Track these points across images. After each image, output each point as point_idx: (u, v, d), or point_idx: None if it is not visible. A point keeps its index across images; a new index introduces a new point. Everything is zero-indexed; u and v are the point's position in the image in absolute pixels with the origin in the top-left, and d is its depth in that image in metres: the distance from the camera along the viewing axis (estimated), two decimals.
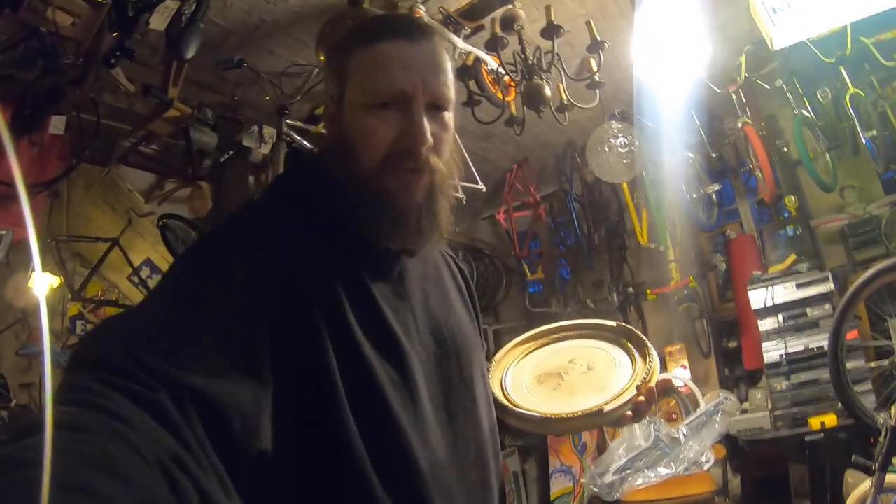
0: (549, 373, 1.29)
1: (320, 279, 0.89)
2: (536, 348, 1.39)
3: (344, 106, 0.98)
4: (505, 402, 1.21)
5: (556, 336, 1.40)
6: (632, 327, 1.31)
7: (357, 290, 0.93)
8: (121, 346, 0.69)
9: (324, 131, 1.19)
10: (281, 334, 0.80)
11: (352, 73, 0.96)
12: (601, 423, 1.16)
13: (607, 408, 1.10)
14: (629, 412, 1.10)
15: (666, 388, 1.17)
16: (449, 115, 1.01)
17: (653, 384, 1.12)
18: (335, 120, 1.00)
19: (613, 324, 1.35)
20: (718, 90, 4.41)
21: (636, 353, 1.23)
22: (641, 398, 1.09)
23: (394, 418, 0.88)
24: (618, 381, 1.17)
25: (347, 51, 0.98)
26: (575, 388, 1.21)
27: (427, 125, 0.94)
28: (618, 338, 1.31)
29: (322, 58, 3.09)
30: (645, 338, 1.25)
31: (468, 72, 3.67)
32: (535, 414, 1.16)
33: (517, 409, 1.18)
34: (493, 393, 1.21)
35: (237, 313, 0.77)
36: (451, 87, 1.01)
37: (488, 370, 1.28)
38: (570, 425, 1.15)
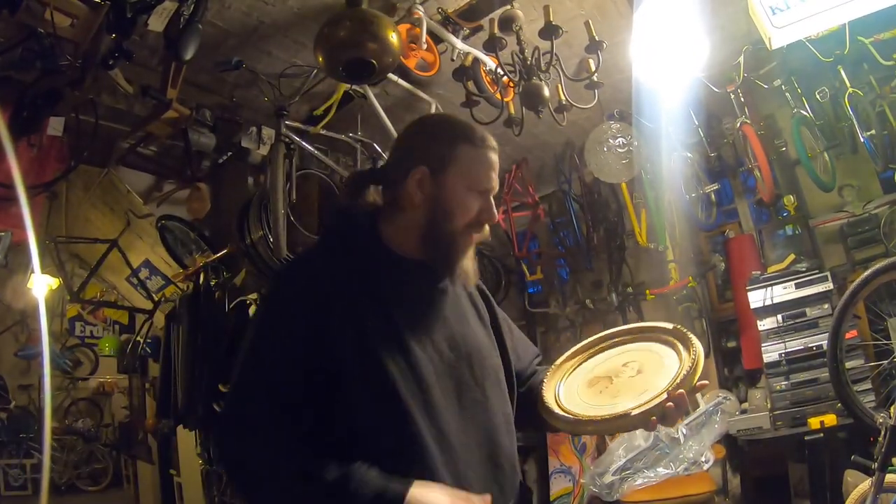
0: (601, 376, 1.42)
1: (356, 309, 1.28)
2: (597, 353, 1.53)
3: (445, 181, 1.37)
4: (551, 404, 1.38)
5: (616, 340, 1.53)
6: (685, 330, 1.42)
7: (380, 313, 1.30)
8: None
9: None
10: (325, 352, 1.25)
11: (460, 160, 1.38)
12: (629, 426, 1.29)
13: (634, 412, 1.23)
14: (654, 417, 1.25)
15: (697, 390, 1.31)
16: None
17: (685, 389, 1.25)
18: (430, 185, 1.37)
19: (670, 326, 1.47)
20: (717, 90, 4.41)
21: (684, 356, 1.33)
22: (670, 404, 1.23)
23: (400, 400, 1.22)
24: (660, 384, 1.27)
25: (458, 142, 1.39)
26: (620, 390, 1.33)
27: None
28: (673, 340, 1.42)
29: (320, 59, 3.08)
30: (694, 339, 1.37)
31: (466, 72, 3.68)
32: (569, 416, 1.32)
33: (556, 411, 1.35)
34: (541, 395, 1.43)
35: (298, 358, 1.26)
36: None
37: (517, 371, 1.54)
38: (599, 427, 1.31)
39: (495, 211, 1.41)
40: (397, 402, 1.21)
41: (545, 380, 1.49)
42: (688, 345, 1.35)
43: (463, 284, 1.50)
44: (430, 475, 1.19)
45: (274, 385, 1.23)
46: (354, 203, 1.47)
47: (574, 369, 1.50)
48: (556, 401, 1.39)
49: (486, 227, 1.44)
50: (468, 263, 1.42)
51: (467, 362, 1.36)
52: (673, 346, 1.40)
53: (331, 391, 1.23)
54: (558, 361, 1.53)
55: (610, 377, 1.39)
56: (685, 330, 1.39)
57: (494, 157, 1.42)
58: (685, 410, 1.25)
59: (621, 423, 1.27)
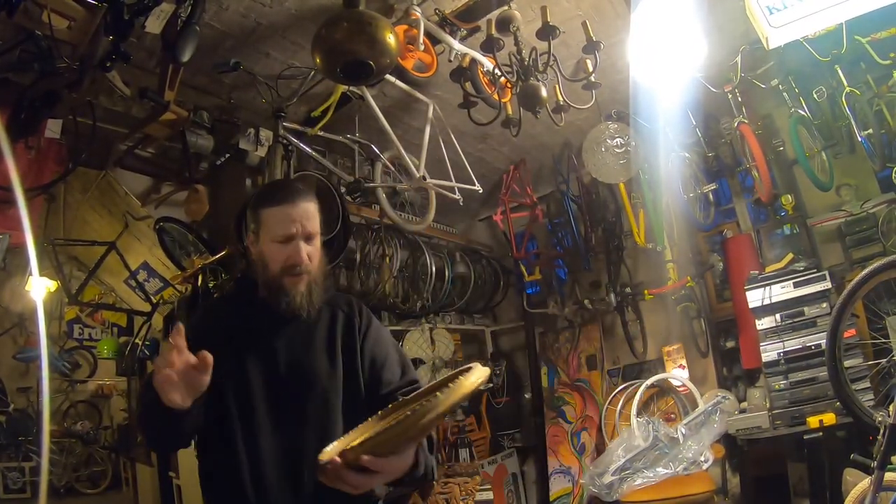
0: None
1: (225, 331, 1.75)
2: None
3: (259, 241, 1.80)
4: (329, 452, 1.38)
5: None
6: (463, 375, 1.30)
7: (255, 337, 1.77)
8: None
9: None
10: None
11: (264, 222, 1.78)
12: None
13: (322, 460, 1.30)
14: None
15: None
16: (316, 240, 1.81)
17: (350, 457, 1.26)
18: (255, 246, 1.81)
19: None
20: (714, 90, 4.42)
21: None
22: (328, 466, 1.27)
23: (227, 409, 1.68)
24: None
25: (258, 208, 1.80)
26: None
27: (303, 251, 1.75)
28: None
29: (318, 60, 3.08)
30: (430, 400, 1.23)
31: (464, 73, 3.68)
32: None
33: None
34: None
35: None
36: (316, 225, 1.80)
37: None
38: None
39: (301, 253, 1.74)
40: (226, 411, 1.67)
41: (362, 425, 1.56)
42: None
43: (332, 313, 1.86)
44: (235, 466, 1.62)
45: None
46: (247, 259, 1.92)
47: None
48: (356, 437, 1.42)
49: (305, 266, 1.75)
50: (296, 299, 1.74)
51: (296, 384, 1.72)
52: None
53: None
54: (409, 397, 1.57)
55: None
56: (466, 377, 1.29)
57: (292, 209, 1.75)
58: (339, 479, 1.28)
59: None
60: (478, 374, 1.30)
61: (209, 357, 1.40)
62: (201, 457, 1.76)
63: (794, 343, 4.06)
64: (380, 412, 1.55)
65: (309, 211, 1.78)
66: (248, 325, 1.77)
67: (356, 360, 1.82)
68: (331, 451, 1.37)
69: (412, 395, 1.59)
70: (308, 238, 1.77)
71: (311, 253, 1.77)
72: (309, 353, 1.78)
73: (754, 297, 4.27)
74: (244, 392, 1.68)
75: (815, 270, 4.16)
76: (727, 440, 4.32)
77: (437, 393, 1.24)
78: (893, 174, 4.15)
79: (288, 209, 1.74)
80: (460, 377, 1.29)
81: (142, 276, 5.70)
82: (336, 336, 1.83)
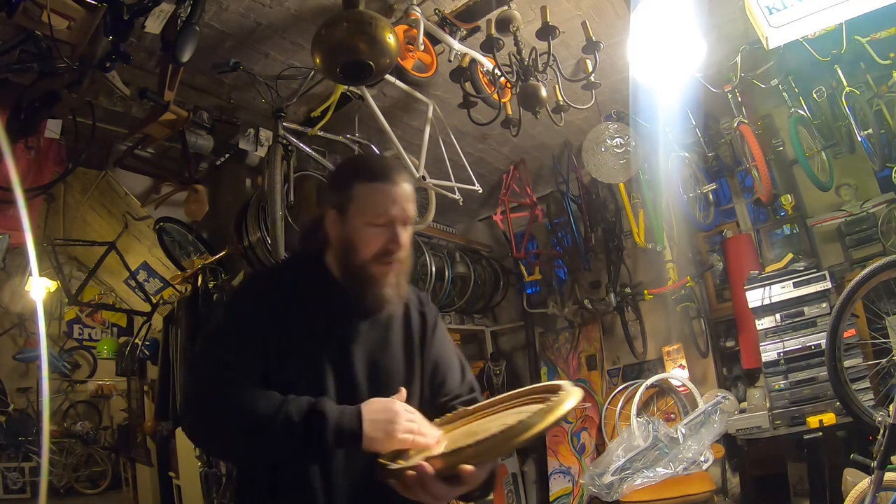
0: (471, 432, 1.39)
1: (298, 320, 1.52)
2: (500, 410, 1.50)
3: (346, 219, 1.53)
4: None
5: (534, 397, 1.44)
6: (564, 396, 1.25)
7: (323, 334, 1.54)
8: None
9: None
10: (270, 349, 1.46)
11: (357, 199, 1.52)
12: (384, 477, 1.28)
13: (391, 466, 1.26)
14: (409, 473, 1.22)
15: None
16: (411, 227, 1.59)
17: (447, 464, 1.21)
18: (335, 226, 1.56)
19: (562, 386, 1.32)
20: (714, 90, 4.42)
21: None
22: (411, 472, 1.21)
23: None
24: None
25: (353, 181, 1.54)
26: (449, 447, 1.31)
27: (403, 236, 1.53)
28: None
29: (317, 60, 3.08)
30: (536, 417, 1.18)
31: (464, 73, 3.68)
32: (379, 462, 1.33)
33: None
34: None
35: (247, 347, 1.45)
36: (414, 210, 1.58)
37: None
38: (383, 475, 1.29)
39: (401, 238, 1.52)
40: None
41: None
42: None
43: (406, 307, 1.67)
44: (305, 477, 1.43)
45: (230, 371, 1.40)
46: (311, 236, 1.68)
47: (474, 420, 1.51)
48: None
49: (401, 254, 1.54)
50: (385, 291, 1.54)
51: (372, 384, 1.53)
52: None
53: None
54: (473, 406, 1.56)
55: (473, 434, 1.31)
56: (560, 399, 1.23)
57: (394, 188, 1.52)
58: (427, 489, 1.21)
59: (384, 475, 1.29)
60: (574, 398, 1.25)
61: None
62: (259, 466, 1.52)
63: (793, 343, 4.06)
64: (437, 419, 1.51)
65: (410, 193, 1.57)
66: (322, 315, 1.55)
67: (426, 361, 1.69)
68: (389, 458, 1.32)
69: (474, 406, 1.56)
70: (406, 223, 1.55)
71: (405, 241, 1.56)
72: (386, 354, 1.61)
73: (754, 297, 4.27)
74: (318, 395, 1.44)
75: (814, 270, 4.16)
76: (727, 440, 4.32)
77: (532, 412, 1.18)
78: (893, 174, 4.15)
79: (390, 188, 1.52)
80: (554, 398, 1.23)
81: (142, 276, 5.71)
82: (413, 334, 1.68)
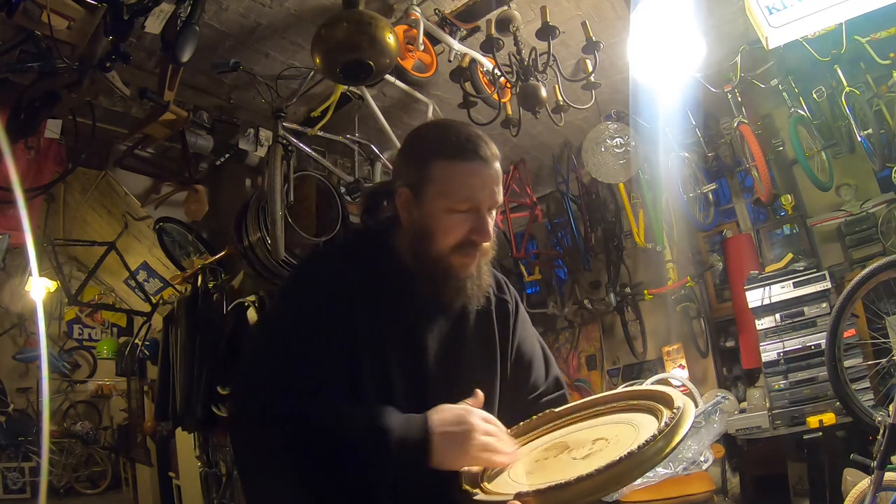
0: (561, 444, 1.21)
1: (371, 316, 1.28)
2: (595, 416, 1.29)
3: (424, 201, 1.29)
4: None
5: (622, 402, 1.26)
6: (685, 413, 1.04)
7: (396, 334, 1.30)
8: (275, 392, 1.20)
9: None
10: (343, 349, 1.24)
11: (433, 178, 1.27)
12: None
13: (477, 497, 1.10)
14: None
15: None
16: (498, 210, 1.35)
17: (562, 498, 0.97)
18: (409, 208, 1.32)
19: (680, 403, 1.07)
20: (714, 90, 4.42)
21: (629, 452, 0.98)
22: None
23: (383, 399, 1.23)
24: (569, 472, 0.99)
25: (431, 157, 1.28)
26: (544, 469, 1.14)
27: (491, 224, 1.30)
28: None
29: (317, 60, 3.08)
30: (679, 420, 1.01)
31: (464, 73, 3.68)
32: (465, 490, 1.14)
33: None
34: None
35: (315, 349, 1.23)
36: (502, 193, 1.34)
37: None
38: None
39: (489, 228, 1.28)
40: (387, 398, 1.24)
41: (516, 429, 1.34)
42: (663, 422, 1.02)
43: (478, 301, 1.41)
44: (373, 497, 1.20)
45: (293, 368, 1.21)
46: (373, 215, 1.45)
47: (561, 426, 1.31)
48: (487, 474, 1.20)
49: (485, 245, 1.31)
50: (466, 285, 1.32)
51: (446, 390, 1.28)
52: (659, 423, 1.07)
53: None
54: (558, 409, 1.36)
55: (566, 448, 1.17)
56: (684, 413, 1.03)
57: (482, 168, 1.27)
58: None
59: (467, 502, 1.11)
60: (691, 415, 1.04)
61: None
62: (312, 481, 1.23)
63: (793, 343, 4.05)
64: (521, 424, 1.34)
65: (500, 174, 1.31)
66: (390, 310, 1.31)
67: (508, 355, 1.47)
68: (468, 480, 1.16)
69: (562, 408, 1.36)
70: (493, 209, 1.31)
71: (492, 229, 1.32)
72: (463, 353, 1.37)
73: (754, 297, 4.27)
74: (386, 402, 1.22)
75: (814, 270, 4.16)
76: (727, 440, 4.31)
77: (638, 432, 1.03)
78: (893, 174, 4.15)
79: (479, 167, 1.26)
80: (666, 412, 1.05)
81: (141, 276, 5.70)
82: (493, 327, 1.44)
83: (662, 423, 1.00)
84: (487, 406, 1.30)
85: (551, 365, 1.56)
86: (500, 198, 1.31)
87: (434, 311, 1.35)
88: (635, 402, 1.22)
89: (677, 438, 0.98)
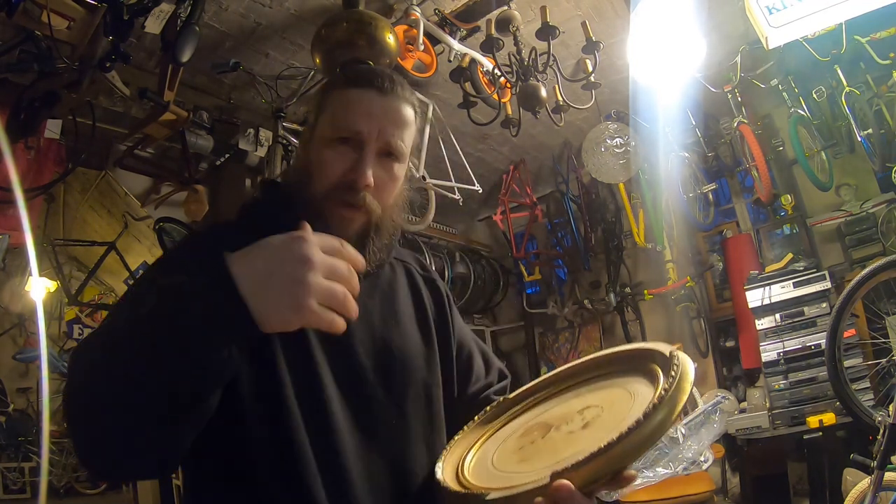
0: (542, 424, 1.03)
1: None
2: (563, 390, 1.12)
3: (314, 135, 1.10)
4: (443, 456, 1.05)
5: (592, 373, 1.10)
6: (679, 360, 0.90)
7: None
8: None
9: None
10: None
11: (325, 108, 1.10)
12: None
13: (490, 496, 0.85)
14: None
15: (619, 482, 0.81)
16: (399, 166, 1.11)
17: (605, 472, 0.78)
18: (305, 146, 1.14)
19: (666, 350, 0.94)
20: (714, 90, 4.42)
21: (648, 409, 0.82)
22: (539, 499, 0.79)
23: (287, 409, 0.97)
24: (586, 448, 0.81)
25: (328, 89, 1.13)
26: (539, 452, 0.95)
27: (371, 168, 1.05)
28: (660, 372, 0.93)
29: (317, 60, 3.09)
30: (678, 369, 0.87)
31: (464, 73, 3.68)
32: (439, 483, 0.97)
33: (437, 471, 1.00)
34: (453, 438, 1.11)
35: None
36: (406, 142, 1.11)
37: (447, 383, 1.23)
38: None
39: (368, 168, 1.04)
40: (283, 412, 0.96)
41: (478, 418, 1.14)
42: (667, 381, 0.86)
43: (408, 273, 1.27)
44: (311, 499, 0.94)
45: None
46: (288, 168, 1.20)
47: (525, 411, 1.12)
48: (464, 453, 1.04)
49: (370, 198, 1.07)
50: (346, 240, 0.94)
51: (384, 373, 1.09)
52: (655, 386, 0.91)
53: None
54: (512, 395, 1.17)
55: (548, 428, 1.00)
56: (678, 356, 0.91)
57: (376, 96, 1.07)
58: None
59: None
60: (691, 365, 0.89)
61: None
62: (223, 489, 0.98)
63: (793, 343, 4.06)
64: (476, 418, 1.13)
65: (403, 115, 1.10)
66: None
67: (450, 340, 1.26)
68: (447, 472, 0.99)
69: (522, 390, 1.16)
70: (386, 154, 1.08)
71: (382, 179, 1.08)
72: (398, 328, 1.16)
73: (754, 297, 4.28)
74: (309, 389, 1.00)
75: (814, 270, 4.16)
76: (727, 440, 4.31)
77: (661, 393, 0.83)
78: (893, 174, 4.15)
79: (371, 96, 1.07)
80: (664, 366, 0.90)
81: None
82: (425, 306, 1.25)
83: (670, 376, 0.86)
84: (433, 387, 1.16)
85: (490, 355, 1.38)
86: (397, 141, 1.08)
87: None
88: (605, 368, 1.07)
89: (687, 384, 0.85)
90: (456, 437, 1.11)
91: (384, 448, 1.06)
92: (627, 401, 0.94)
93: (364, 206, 1.06)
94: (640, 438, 0.78)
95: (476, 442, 1.07)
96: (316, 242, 0.77)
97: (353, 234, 1.07)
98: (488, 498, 0.85)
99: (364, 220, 1.08)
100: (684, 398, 0.83)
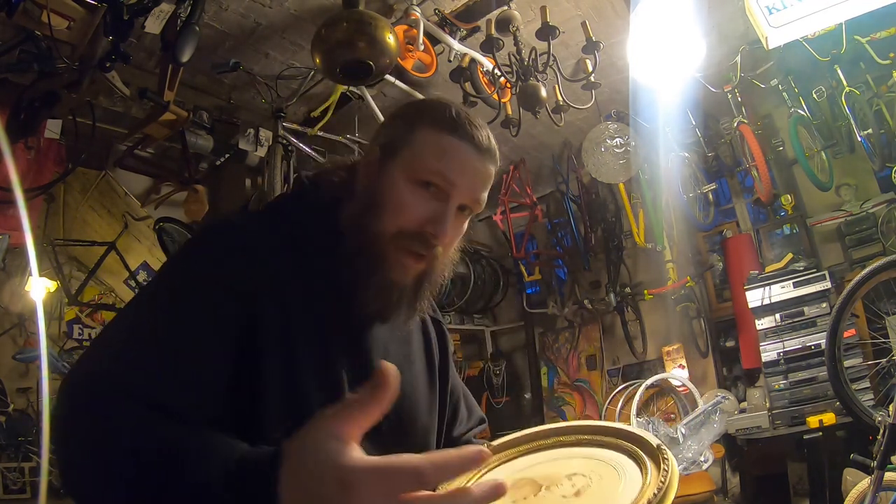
0: (532, 478, 1.02)
1: (284, 309, 0.92)
2: (546, 447, 1.11)
3: (389, 166, 1.02)
4: None
5: (575, 437, 1.11)
6: (668, 456, 0.92)
7: (317, 336, 0.96)
8: (115, 372, 0.79)
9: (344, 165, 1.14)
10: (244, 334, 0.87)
11: (412, 143, 1.01)
12: None
13: None
14: None
15: None
16: (467, 221, 1.09)
17: None
18: (371, 170, 1.04)
19: (654, 443, 0.97)
20: (714, 90, 4.42)
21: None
22: None
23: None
24: None
25: (419, 123, 1.03)
26: None
27: (450, 222, 1.01)
28: (648, 464, 0.95)
29: (317, 60, 3.08)
30: (670, 467, 0.89)
31: (464, 73, 3.68)
32: None
33: None
34: None
35: (199, 325, 0.85)
36: (483, 203, 1.07)
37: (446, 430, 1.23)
38: None
39: (447, 226, 1.00)
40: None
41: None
42: (658, 474, 0.90)
43: (420, 319, 1.21)
44: None
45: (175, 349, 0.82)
46: (326, 174, 1.12)
47: (507, 460, 1.11)
48: None
49: (439, 250, 1.02)
50: (390, 290, 1.01)
51: (396, 418, 0.96)
52: (641, 469, 0.95)
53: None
54: (497, 442, 1.14)
55: (539, 487, 0.99)
56: (665, 452, 0.93)
57: (473, 152, 1.02)
58: None
59: None
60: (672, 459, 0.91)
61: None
62: None
63: (793, 343, 4.06)
64: None
65: (490, 175, 1.07)
66: (334, 295, 0.99)
67: (447, 385, 1.24)
68: None
69: (501, 441, 1.13)
70: (465, 210, 1.05)
71: (454, 235, 1.06)
72: (410, 372, 1.13)
73: (754, 297, 4.27)
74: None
75: (814, 270, 4.16)
76: (727, 440, 4.31)
77: (655, 492, 0.85)
78: (893, 174, 4.15)
79: (467, 150, 1.01)
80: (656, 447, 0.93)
81: (141, 276, 5.69)
82: (433, 349, 1.22)
83: (662, 471, 0.90)
84: (430, 435, 1.14)
85: (471, 398, 1.37)
86: (478, 202, 1.06)
87: (368, 319, 1.05)
88: (588, 436, 1.08)
89: (675, 484, 0.87)
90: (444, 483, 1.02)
91: None
92: (615, 478, 0.96)
93: (430, 256, 1.02)
94: None
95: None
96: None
97: (409, 282, 1.03)
98: None
99: (422, 270, 1.04)
100: (672, 497, 0.85)
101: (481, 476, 1.06)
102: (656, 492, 0.85)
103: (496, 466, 1.09)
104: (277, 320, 0.91)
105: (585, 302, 5.73)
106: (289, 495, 0.61)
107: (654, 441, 0.96)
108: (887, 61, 4.07)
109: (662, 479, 0.86)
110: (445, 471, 0.61)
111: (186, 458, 0.68)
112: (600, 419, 5.37)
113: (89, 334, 9.05)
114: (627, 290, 5.48)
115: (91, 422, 0.74)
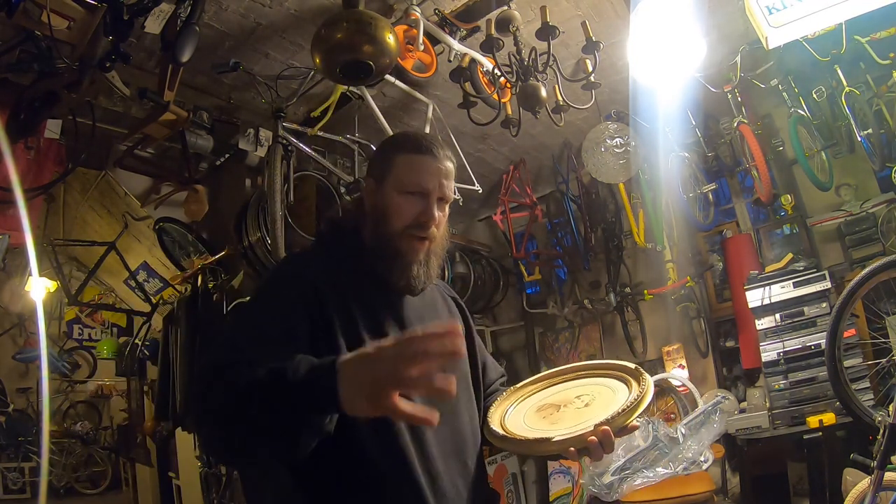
0: (552, 403, 1.52)
1: (342, 301, 1.38)
2: (556, 383, 1.62)
3: (383, 188, 1.50)
4: (492, 418, 1.53)
5: (577, 373, 1.62)
6: (643, 372, 1.45)
7: (368, 312, 1.42)
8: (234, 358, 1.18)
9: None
10: (314, 329, 1.31)
11: (393, 169, 1.50)
12: (548, 452, 1.35)
13: (555, 439, 1.31)
14: (574, 448, 1.31)
15: (627, 431, 1.34)
16: (447, 207, 1.56)
17: (615, 426, 1.30)
18: (374, 194, 1.52)
19: (632, 366, 1.50)
20: (714, 90, 4.42)
21: (629, 396, 1.38)
22: (593, 438, 1.28)
23: None
24: (598, 418, 1.33)
25: (393, 152, 1.53)
26: (562, 419, 1.43)
27: (435, 211, 1.48)
28: (629, 379, 1.46)
29: (317, 60, 3.08)
30: (647, 382, 1.39)
31: (464, 73, 3.68)
32: (498, 431, 1.46)
33: (491, 425, 1.50)
34: (488, 409, 1.59)
35: (286, 325, 1.29)
36: (452, 189, 1.54)
37: (485, 382, 1.71)
38: (520, 447, 1.42)
39: (434, 213, 1.47)
40: None
41: (500, 399, 1.62)
42: (640, 385, 1.40)
43: (440, 293, 1.69)
44: (408, 468, 1.31)
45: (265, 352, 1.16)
46: (346, 209, 1.63)
47: (530, 395, 1.60)
48: (501, 418, 1.52)
49: (433, 231, 1.49)
50: (413, 268, 1.48)
51: (450, 368, 1.39)
52: (628, 385, 1.44)
53: None
54: (518, 385, 1.65)
55: (559, 406, 1.48)
56: (642, 371, 1.44)
57: (434, 162, 1.50)
58: (609, 446, 1.30)
59: (541, 448, 1.35)
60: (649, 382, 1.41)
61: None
62: (332, 461, 1.28)
63: (793, 343, 4.06)
64: (500, 398, 1.61)
65: (450, 171, 1.54)
66: (361, 294, 1.44)
67: (474, 344, 1.68)
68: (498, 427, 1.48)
69: (522, 383, 1.65)
70: (442, 201, 1.52)
71: (440, 219, 1.51)
72: None
73: (754, 297, 4.27)
74: None
75: (814, 270, 4.16)
76: (727, 440, 4.31)
77: (639, 392, 1.36)
78: (893, 174, 4.15)
79: (430, 160, 1.50)
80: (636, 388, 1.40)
81: (141, 276, 5.71)
82: (454, 314, 1.70)
83: (624, 404, 1.34)
84: (467, 385, 1.57)
85: (492, 358, 1.83)
86: (449, 192, 1.52)
87: (399, 296, 1.52)
88: (584, 372, 1.61)
89: (651, 388, 1.37)
90: (490, 409, 1.58)
91: (446, 417, 1.27)
92: (610, 393, 1.45)
93: (427, 239, 1.49)
94: (635, 410, 1.31)
95: (505, 413, 1.54)
96: (393, 354, 0.96)
97: (420, 258, 1.50)
98: (555, 439, 1.31)
99: (427, 248, 1.51)
100: (650, 395, 1.36)
101: (516, 406, 1.57)
102: (637, 396, 1.34)
103: (524, 399, 1.59)
104: (341, 307, 1.37)
105: (585, 302, 5.74)
106: (342, 368, 1.00)
107: (632, 365, 1.50)
108: (887, 61, 4.07)
109: (641, 389, 1.37)
110: (431, 337, 0.95)
111: (286, 368, 1.05)
112: None
113: (89, 334, 9.08)
114: (627, 290, 5.48)
115: (222, 384, 1.11)
